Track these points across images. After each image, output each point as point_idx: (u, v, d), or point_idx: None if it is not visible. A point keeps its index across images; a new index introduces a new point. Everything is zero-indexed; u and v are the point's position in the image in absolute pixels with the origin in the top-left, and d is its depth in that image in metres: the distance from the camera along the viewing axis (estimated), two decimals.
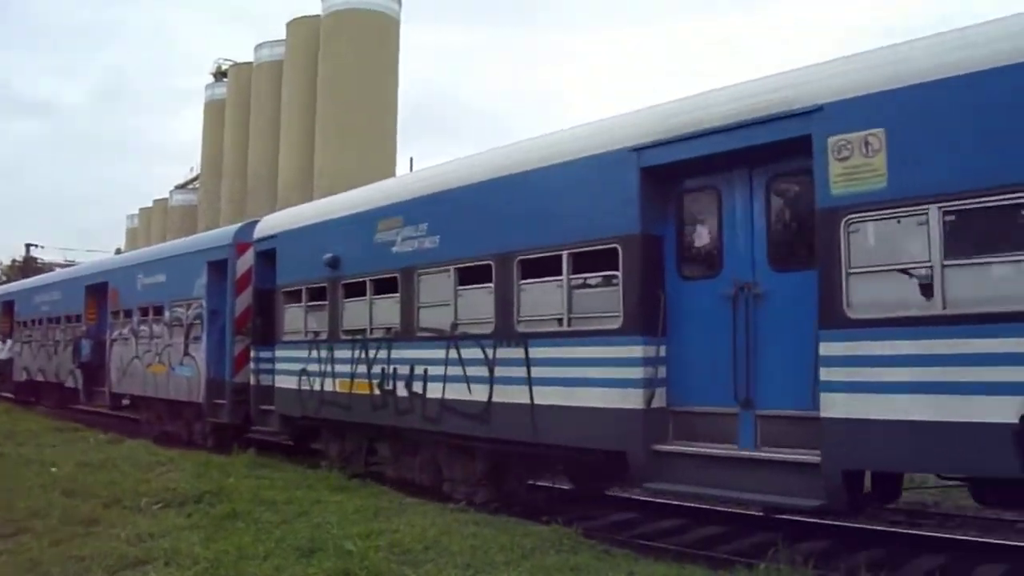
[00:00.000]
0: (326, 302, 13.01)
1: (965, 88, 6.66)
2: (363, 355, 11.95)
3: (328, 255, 12.74)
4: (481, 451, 10.48)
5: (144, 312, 19.70)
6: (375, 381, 11.69)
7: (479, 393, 10.01)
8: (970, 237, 6.70)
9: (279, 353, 14.25)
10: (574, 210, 9.25)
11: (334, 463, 12.90)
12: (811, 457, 7.38)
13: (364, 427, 12.37)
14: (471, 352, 10.18)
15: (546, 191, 9.54)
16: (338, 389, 12.48)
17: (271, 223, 15.49)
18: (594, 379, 8.84)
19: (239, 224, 17.49)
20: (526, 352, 9.55)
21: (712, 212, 8.55)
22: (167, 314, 18.37)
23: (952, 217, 6.73)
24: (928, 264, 6.75)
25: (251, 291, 15.59)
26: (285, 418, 14.19)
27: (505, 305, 9.85)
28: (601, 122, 9.47)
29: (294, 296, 14.06)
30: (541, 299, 9.60)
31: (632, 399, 8.52)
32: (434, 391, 10.65)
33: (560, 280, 9.30)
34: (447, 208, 10.81)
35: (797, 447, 7.64)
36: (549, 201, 9.51)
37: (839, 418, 7.08)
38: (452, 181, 10.90)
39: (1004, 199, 6.45)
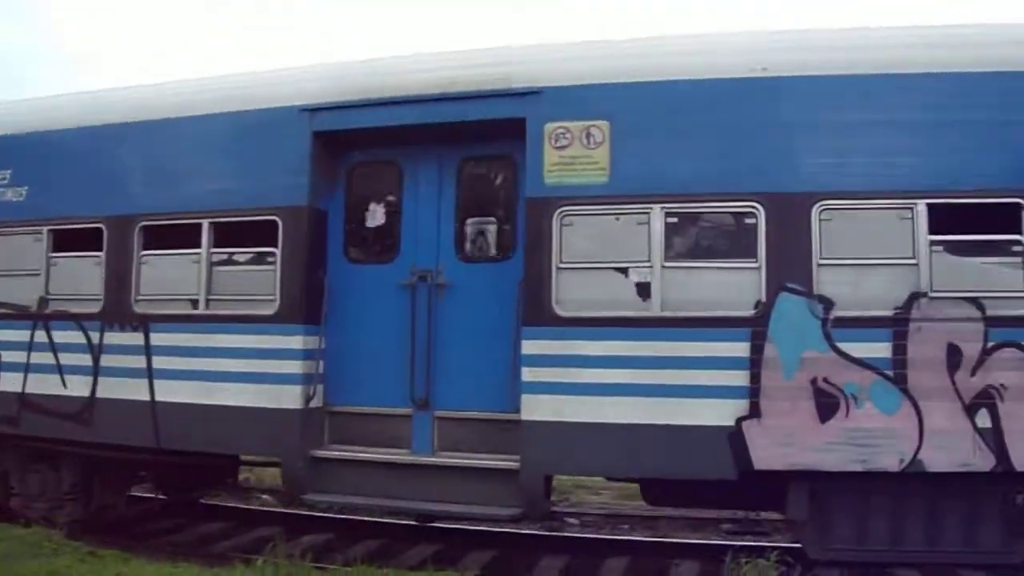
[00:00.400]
0: None
1: (694, 91, 6.69)
2: None
3: None
4: (71, 459, 8.34)
5: None
6: None
7: (78, 387, 7.96)
8: (690, 241, 6.72)
9: None
10: (224, 172, 7.74)
11: None
12: (506, 463, 6.86)
13: None
14: (68, 336, 8.06)
15: (190, 146, 7.85)
16: None
17: None
18: (239, 373, 7.43)
19: None
20: (147, 338, 7.79)
21: (392, 191, 7.67)
22: None
23: (675, 219, 6.68)
24: (647, 264, 6.63)
25: None
26: None
27: (119, 280, 7.93)
28: (272, 73, 8.04)
29: None
30: (170, 275, 7.90)
31: (288, 398, 7.30)
32: (9, 384, 8.27)
33: (198, 254, 7.72)
34: (43, 152, 8.46)
35: (485, 452, 7.08)
36: (192, 158, 7.83)
37: (545, 421, 6.65)
38: (57, 120, 8.55)
39: (724, 207, 6.59)
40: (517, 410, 6.80)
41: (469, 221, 7.50)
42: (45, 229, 8.31)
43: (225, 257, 7.79)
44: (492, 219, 7.52)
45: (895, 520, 6.60)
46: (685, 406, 6.51)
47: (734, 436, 6.44)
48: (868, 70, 6.53)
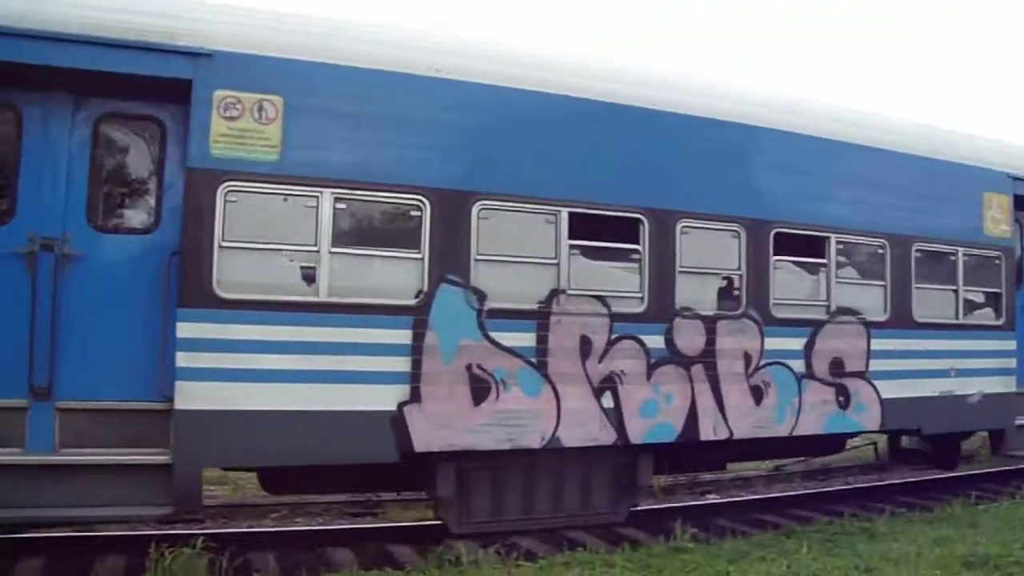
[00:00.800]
0: None
1: (369, 80, 6.72)
2: None
3: None
4: None
5: None
6: None
7: None
8: (358, 228, 6.73)
9: None
10: None
11: None
12: (153, 458, 6.21)
13: None
14: None
15: None
16: None
17: None
18: None
19: None
20: None
21: (8, 139, 6.43)
22: None
23: (343, 206, 6.63)
24: (315, 249, 6.49)
25: None
26: None
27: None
28: None
29: None
30: None
31: None
32: None
33: None
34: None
35: (122, 446, 6.32)
36: None
37: (204, 410, 6.17)
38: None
39: (392, 198, 6.77)
40: (167, 399, 6.23)
41: (106, 186, 6.60)
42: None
43: None
44: (135, 186, 6.70)
45: (526, 491, 7.41)
46: (350, 392, 6.60)
47: (396, 420, 6.68)
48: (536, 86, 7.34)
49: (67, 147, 6.42)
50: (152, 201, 6.64)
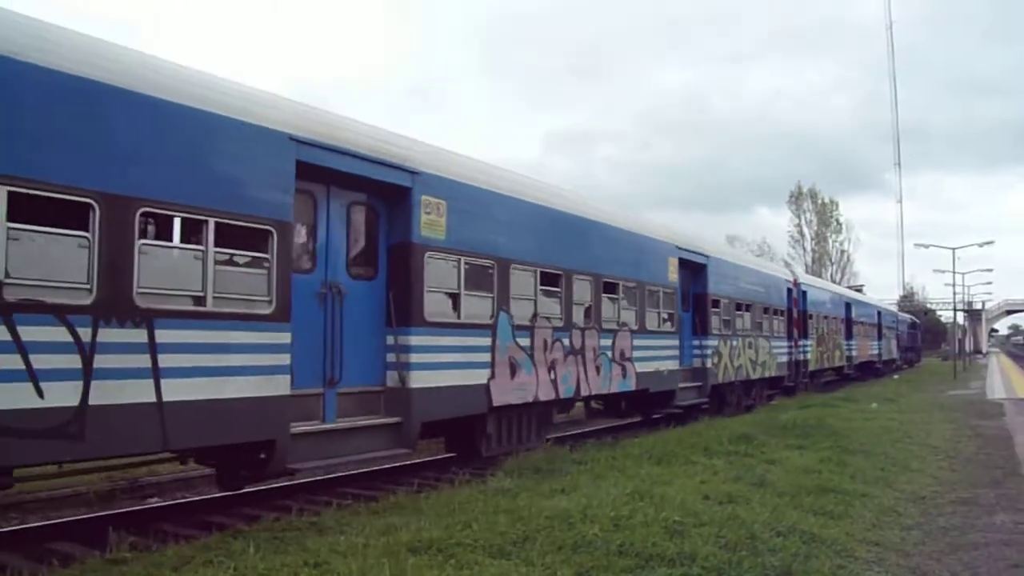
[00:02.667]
0: None
1: (481, 195, 11.52)
2: None
3: None
4: None
5: None
6: None
7: None
8: (472, 279, 11.47)
9: None
10: None
11: None
12: (389, 419, 10.18)
13: None
14: None
15: None
16: None
17: None
18: None
19: None
20: None
21: (310, 218, 9.74)
22: None
23: (467, 266, 11.29)
24: (456, 292, 11.10)
25: None
26: None
27: None
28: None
29: None
30: None
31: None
32: None
33: None
34: None
35: (362, 415, 10.08)
36: None
37: (418, 387, 10.32)
38: None
39: (482, 262, 11.68)
40: (382, 384, 10.30)
41: (354, 249, 10.25)
42: None
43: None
44: (367, 250, 10.40)
45: (519, 430, 12.65)
46: (473, 374, 11.28)
47: (486, 388, 11.47)
48: None
49: (338, 223, 10.02)
50: (376, 260, 10.48)
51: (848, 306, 38.70)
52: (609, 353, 14.77)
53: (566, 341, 13.43)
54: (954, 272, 52.67)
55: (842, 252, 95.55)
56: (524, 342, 12.36)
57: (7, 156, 6.56)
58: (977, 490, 10.47)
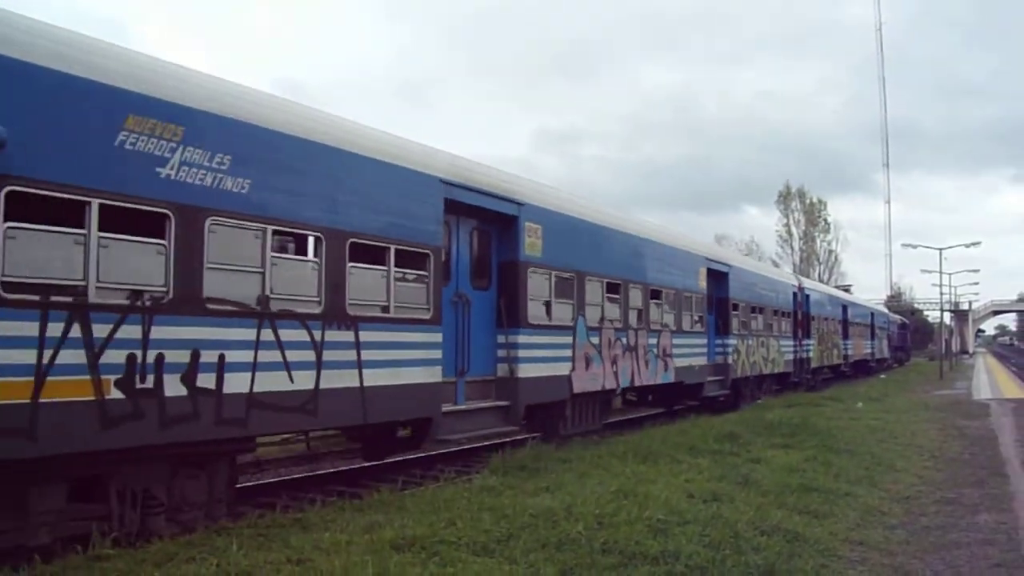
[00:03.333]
0: None
1: (564, 220, 14.10)
2: None
3: None
4: None
5: None
6: None
7: None
8: (560, 289, 14.02)
9: None
10: None
11: None
12: (500, 402, 12.74)
13: None
14: None
15: None
16: None
17: None
18: None
19: None
20: None
21: (446, 241, 12.16)
22: None
23: (555, 280, 13.83)
24: (548, 300, 13.64)
25: None
26: None
27: None
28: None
29: None
30: None
31: None
32: None
33: None
34: None
35: (480, 399, 12.65)
36: None
37: (524, 377, 12.91)
38: None
39: (566, 276, 14.25)
40: (494, 374, 12.82)
41: (473, 265, 12.77)
42: None
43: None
44: (483, 266, 12.93)
45: (588, 413, 15.20)
46: (559, 366, 13.88)
47: (568, 379, 14.11)
48: None
49: (464, 245, 12.54)
50: (490, 273, 13.02)
51: (845, 308, 41.51)
52: (655, 350, 17.46)
53: (624, 340, 16.08)
54: (941, 272, 53.64)
55: (830, 252, 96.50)
56: (595, 340, 14.97)
57: (282, 209, 8.97)
58: (961, 490, 10.71)
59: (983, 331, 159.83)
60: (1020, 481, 11.41)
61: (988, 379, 42.36)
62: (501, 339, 12.88)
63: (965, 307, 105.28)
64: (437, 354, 11.14)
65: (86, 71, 7.25)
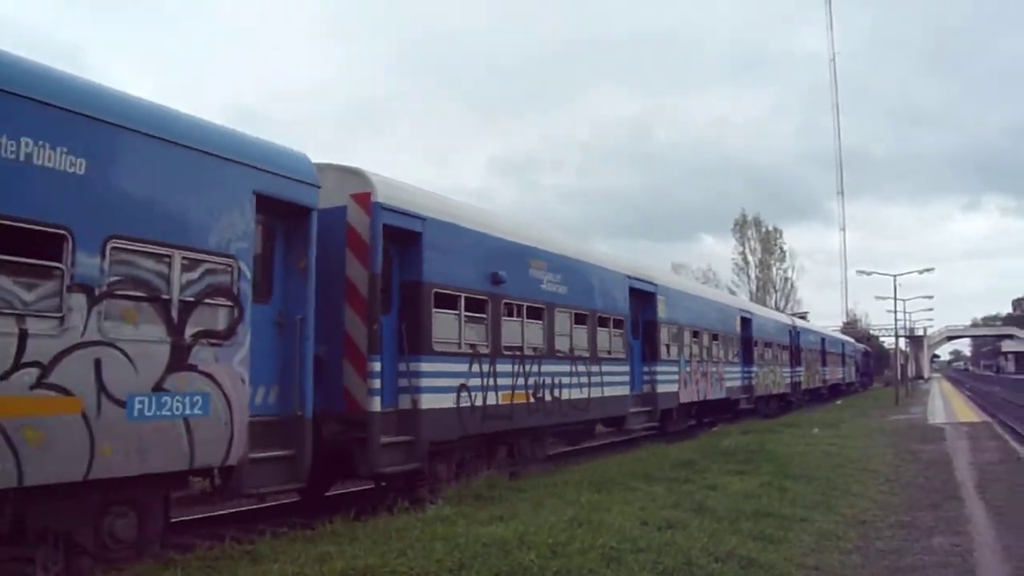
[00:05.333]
0: None
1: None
2: None
3: None
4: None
5: None
6: None
7: None
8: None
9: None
10: None
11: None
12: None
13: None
14: None
15: None
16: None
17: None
18: None
19: None
20: None
21: None
22: None
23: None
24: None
25: None
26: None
27: None
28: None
29: None
30: None
31: None
32: None
33: None
34: None
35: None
36: None
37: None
38: None
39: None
40: None
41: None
42: None
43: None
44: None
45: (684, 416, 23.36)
46: (672, 383, 22.06)
47: (677, 393, 22.37)
48: None
49: (634, 310, 20.59)
50: (636, 328, 21.17)
51: (823, 340, 50.80)
52: (715, 375, 25.81)
53: (701, 368, 24.43)
54: (895, 299, 54.55)
55: (786, 280, 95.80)
56: (688, 369, 23.18)
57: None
58: (916, 513, 10.72)
59: (938, 356, 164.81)
60: (974, 504, 11.52)
61: (943, 404, 43.58)
62: (645, 368, 20.87)
63: (920, 333, 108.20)
64: (627, 378, 19.27)
65: None
